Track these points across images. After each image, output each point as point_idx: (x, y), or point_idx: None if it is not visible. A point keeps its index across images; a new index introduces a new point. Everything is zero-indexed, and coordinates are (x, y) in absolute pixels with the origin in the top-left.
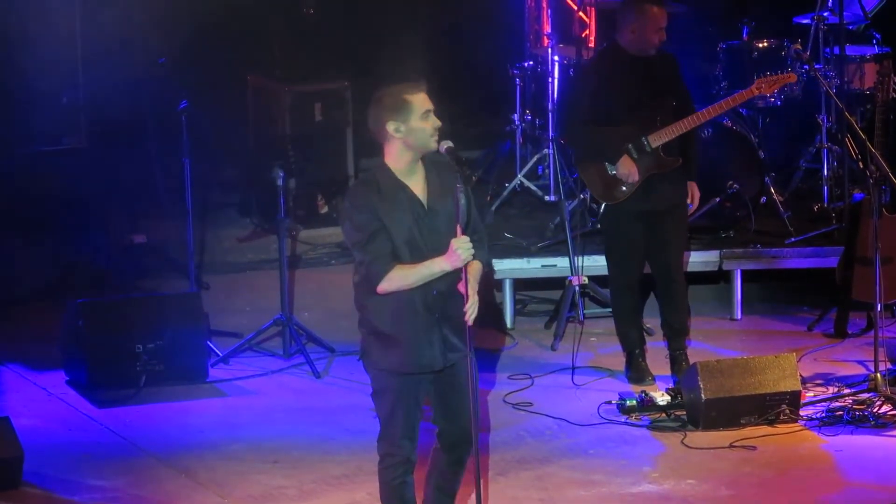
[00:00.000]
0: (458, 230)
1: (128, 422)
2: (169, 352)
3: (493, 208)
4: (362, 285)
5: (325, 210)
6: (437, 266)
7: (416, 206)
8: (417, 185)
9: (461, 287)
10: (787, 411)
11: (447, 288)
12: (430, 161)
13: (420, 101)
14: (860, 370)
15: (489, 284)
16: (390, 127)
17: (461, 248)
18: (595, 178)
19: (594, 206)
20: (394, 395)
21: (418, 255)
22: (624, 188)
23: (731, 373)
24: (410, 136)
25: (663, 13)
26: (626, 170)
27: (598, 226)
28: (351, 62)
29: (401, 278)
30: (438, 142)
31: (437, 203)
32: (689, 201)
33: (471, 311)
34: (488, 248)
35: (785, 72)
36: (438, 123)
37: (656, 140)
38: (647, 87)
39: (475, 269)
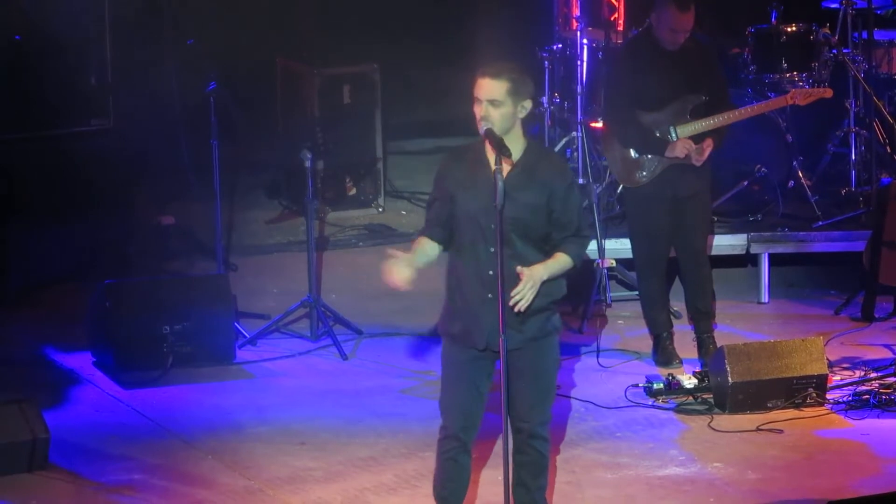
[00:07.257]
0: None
1: (154, 403)
2: (196, 333)
3: None
4: None
5: (353, 192)
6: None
7: (491, 188)
8: (503, 168)
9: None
10: (814, 395)
11: (506, 270)
12: (533, 150)
13: (475, 87)
14: (887, 354)
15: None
16: None
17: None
18: (618, 160)
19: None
20: (448, 366)
21: (479, 234)
22: (645, 173)
23: (758, 356)
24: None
25: (683, 17)
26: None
27: (622, 207)
28: (380, 44)
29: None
30: (484, 129)
31: (514, 190)
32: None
33: (520, 298)
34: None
35: (822, 85)
36: (482, 113)
37: (684, 132)
38: (677, 78)
39: (560, 261)
